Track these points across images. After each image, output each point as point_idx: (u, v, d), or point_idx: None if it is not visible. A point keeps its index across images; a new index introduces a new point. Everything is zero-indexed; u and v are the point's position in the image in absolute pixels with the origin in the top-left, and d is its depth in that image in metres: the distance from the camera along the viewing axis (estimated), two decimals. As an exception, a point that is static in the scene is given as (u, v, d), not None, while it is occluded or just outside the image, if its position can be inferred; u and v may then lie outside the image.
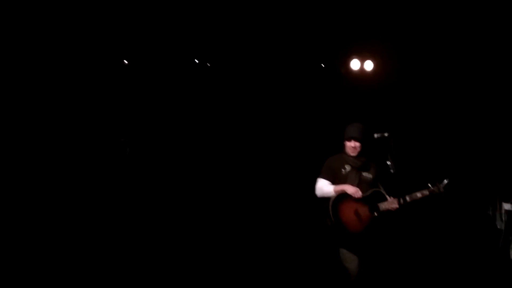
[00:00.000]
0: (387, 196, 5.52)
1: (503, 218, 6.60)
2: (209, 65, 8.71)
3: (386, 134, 5.32)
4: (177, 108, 8.74)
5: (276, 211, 8.19)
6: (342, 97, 8.79)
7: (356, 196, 5.47)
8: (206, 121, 8.81)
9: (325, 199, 5.53)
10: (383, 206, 5.48)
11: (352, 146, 5.58)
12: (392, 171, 5.27)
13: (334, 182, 5.59)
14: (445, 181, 5.41)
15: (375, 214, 5.49)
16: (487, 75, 7.96)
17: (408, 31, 7.99)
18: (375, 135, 5.37)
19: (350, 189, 5.49)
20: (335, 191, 5.51)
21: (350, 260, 5.53)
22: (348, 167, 5.62)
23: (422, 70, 8.40)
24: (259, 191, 8.42)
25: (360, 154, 5.61)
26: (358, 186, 5.54)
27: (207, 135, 8.76)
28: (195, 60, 8.64)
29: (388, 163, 5.28)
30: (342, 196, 5.50)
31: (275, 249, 7.41)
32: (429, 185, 5.44)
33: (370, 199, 5.52)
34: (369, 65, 8.54)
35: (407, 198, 5.40)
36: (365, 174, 5.65)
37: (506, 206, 6.50)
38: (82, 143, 8.15)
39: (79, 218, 7.46)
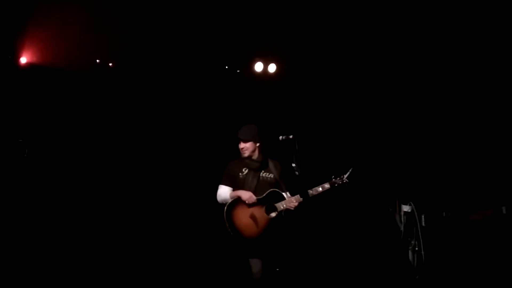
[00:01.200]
0: (285, 195, 5.45)
1: (402, 220, 6.73)
2: (111, 65, 8.38)
3: (291, 136, 5.29)
4: (77, 108, 8.27)
5: (178, 217, 8.02)
6: (245, 100, 8.72)
7: (249, 202, 5.38)
8: (107, 122, 8.39)
9: (223, 206, 5.42)
10: (281, 205, 5.41)
11: (240, 147, 5.60)
12: (297, 173, 5.24)
13: (233, 186, 5.53)
14: (350, 171, 5.43)
15: (272, 215, 5.41)
16: (385, 76, 8.18)
17: (311, 35, 8.07)
18: (280, 138, 5.35)
19: (244, 195, 5.41)
20: (231, 197, 5.44)
21: (252, 264, 5.41)
22: (245, 170, 5.59)
23: (324, 72, 8.50)
24: (162, 195, 8.19)
25: (258, 155, 5.60)
26: (257, 187, 5.49)
27: (107, 137, 8.35)
28: (97, 60, 8.30)
29: (293, 165, 5.24)
30: (235, 202, 5.41)
31: (178, 256, 7.34)
32: (332, 177, 5.45)
33: (267, 200, 5.42)
34: (272, 68, 8.61)
35: (308, 194, 5.37)
36: (264, 174, 5.61)
37: (405, 208, 6.63)
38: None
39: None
